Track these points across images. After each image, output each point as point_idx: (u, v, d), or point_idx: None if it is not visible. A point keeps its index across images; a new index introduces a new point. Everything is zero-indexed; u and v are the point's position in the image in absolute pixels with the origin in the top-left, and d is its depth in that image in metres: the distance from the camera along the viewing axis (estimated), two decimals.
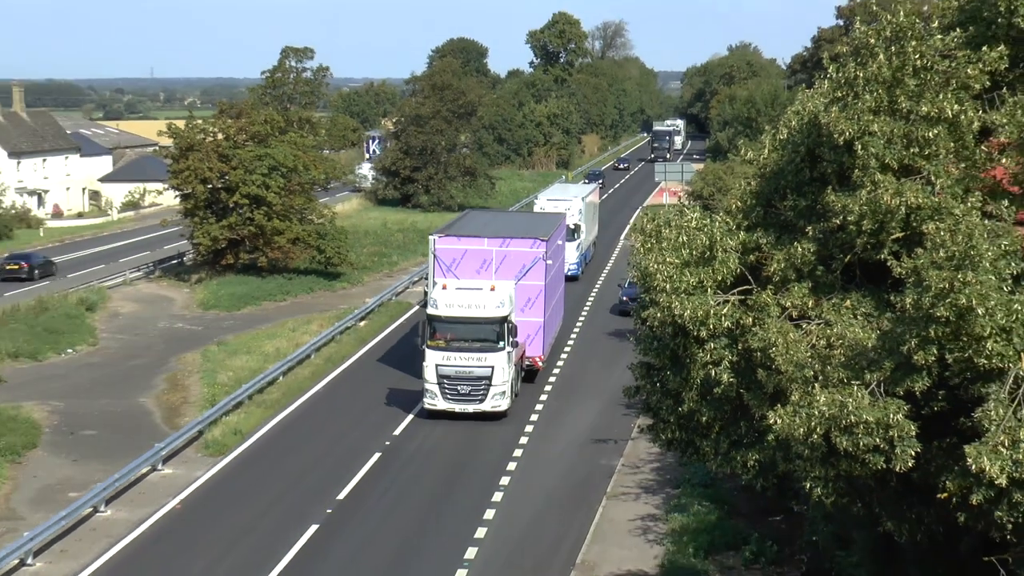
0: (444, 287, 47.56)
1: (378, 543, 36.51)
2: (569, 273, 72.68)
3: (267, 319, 69.99)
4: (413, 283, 79.99)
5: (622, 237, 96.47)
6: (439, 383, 46.21)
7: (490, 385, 46.09)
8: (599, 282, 78.56)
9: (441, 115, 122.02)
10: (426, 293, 51.50)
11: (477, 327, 46.39)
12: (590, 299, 72.74)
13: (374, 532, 37.41)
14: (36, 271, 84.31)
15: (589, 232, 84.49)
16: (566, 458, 44.68)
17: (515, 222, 63.11)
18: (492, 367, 46.01)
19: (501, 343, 46.26)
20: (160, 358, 60.62)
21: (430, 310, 46.61)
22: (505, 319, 46.45)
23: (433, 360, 46.17)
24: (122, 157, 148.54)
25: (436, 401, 46.48)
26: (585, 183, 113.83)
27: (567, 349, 61.14)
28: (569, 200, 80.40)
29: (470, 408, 46.27)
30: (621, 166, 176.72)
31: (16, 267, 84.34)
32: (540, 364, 53.56)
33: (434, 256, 50.70)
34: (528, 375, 52.64)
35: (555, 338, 58.69)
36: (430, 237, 52.14)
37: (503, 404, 46.68)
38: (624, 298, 65.44)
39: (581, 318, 67.88)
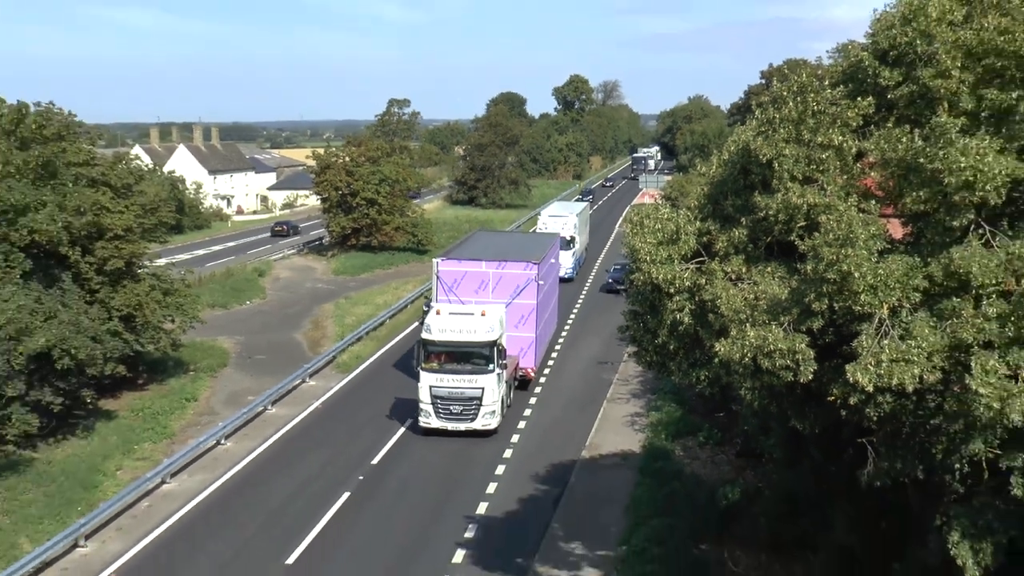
0: (438, 312, 36.43)
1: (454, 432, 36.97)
2: (566, 276, 63.68)
3: (378, 281, 70.26)
4: None
5: (614, 230, 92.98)
6: (433, 403, 35.28)
7: (480, 405, 35.19)
8: (593, 271, 73.41)
9: (495, 144, 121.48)
10: (424, 312, 39.90)
11: (468, 350, 35.33)
12: (588, 281, 69.14)
13: None
14: (291, 231, 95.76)
15: (582, 241, 73.83)
16: (578, 374, 44.82)
17: (513, 244, 49.18)
18: (483, 388, 35.15)
19: (491, 365, 35.30)
20: (307, 307, 60.89)
21: (424, 334, 35.42)
22: (495, 343, 35.36)
23: (427, 381, 35.20)
24: (282, 174, 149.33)
25: (430, 419, 35.48)
26: (580, 199, 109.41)
27: (577, 307, 60.48)
28: (566, 216, 70.22)
29: (462, 426, 35.33)
30: (607, 184, 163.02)
31: (281, 229, 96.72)
32: (532, 375, 42.47)
33: (437, 277, 40.49)
34: (522, 383, 41.63)
35: (546, 348, 46.88)
36: (434, 260, 41.65)
37: (493, 423, 35.60)
38: (610, 280, 63.13)
39: (584, 291, 65.89)
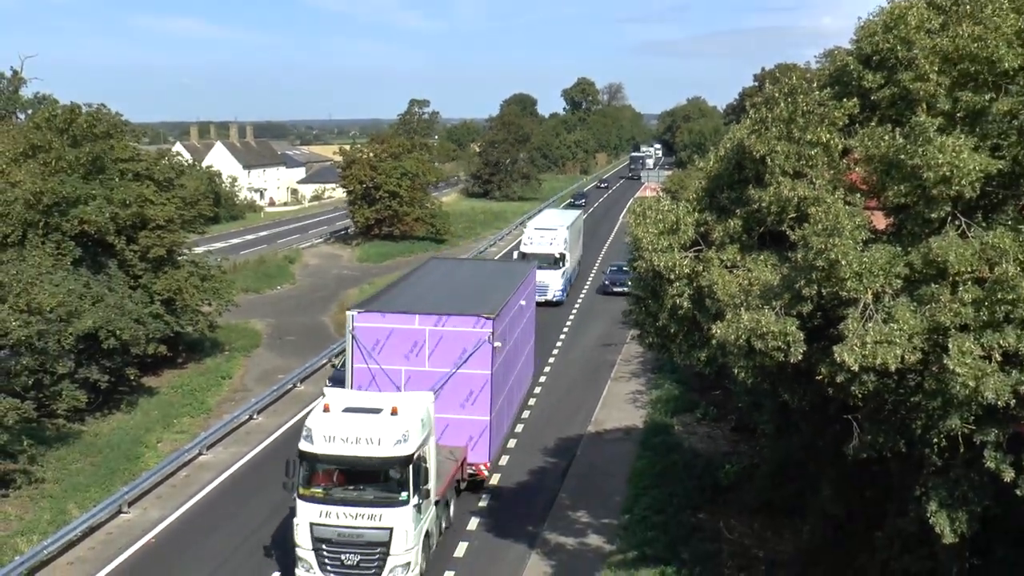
0: (326, 408, 22.19)
1: None
2: (555, 299, 53.72)
3: (399, 268, 69.63)
4: (490, 247, 79.26)
5: (609, 239, 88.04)
6: (315, 549, 21.40)
7: (387, 555, 21.28)
8: (589, 279, 68.67)
9: (508, 141, 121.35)
10: (329, 384, 27.80)
11: (369, 471, 21.58)
12: (588, 281, 65.06)
13: None
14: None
15: (573, 256, 59.66)
16: (585, 354, 44.73)
17: (468, 284, 34.20)
18: (390, 529, 21.22)
19: (404, 493, 21.35)
20: (333, 292, 60.97)
21: (303, 445, 21.60)
22: (411, 458, 21.39)
23: (307, 516, 21.43)
24: (311, 168, 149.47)
25: (311, 575, 21.52)
26: (572, 202, 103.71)
27: (583, 294, 60.02)
28: (555, 229, 56.45)
29: None
30: (602, 185, 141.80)
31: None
32: (485, 473, 28.24)
33: (352, 337, 27.33)
34: (471, 484, 27.87)
35: (509, 431, 32.58)
36: (348, 313, 28.29)
37: None
38: (607, 283, 59.07)
39: (586, 286, 64.24)
